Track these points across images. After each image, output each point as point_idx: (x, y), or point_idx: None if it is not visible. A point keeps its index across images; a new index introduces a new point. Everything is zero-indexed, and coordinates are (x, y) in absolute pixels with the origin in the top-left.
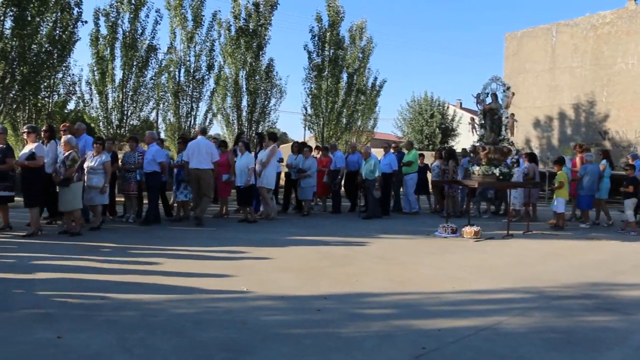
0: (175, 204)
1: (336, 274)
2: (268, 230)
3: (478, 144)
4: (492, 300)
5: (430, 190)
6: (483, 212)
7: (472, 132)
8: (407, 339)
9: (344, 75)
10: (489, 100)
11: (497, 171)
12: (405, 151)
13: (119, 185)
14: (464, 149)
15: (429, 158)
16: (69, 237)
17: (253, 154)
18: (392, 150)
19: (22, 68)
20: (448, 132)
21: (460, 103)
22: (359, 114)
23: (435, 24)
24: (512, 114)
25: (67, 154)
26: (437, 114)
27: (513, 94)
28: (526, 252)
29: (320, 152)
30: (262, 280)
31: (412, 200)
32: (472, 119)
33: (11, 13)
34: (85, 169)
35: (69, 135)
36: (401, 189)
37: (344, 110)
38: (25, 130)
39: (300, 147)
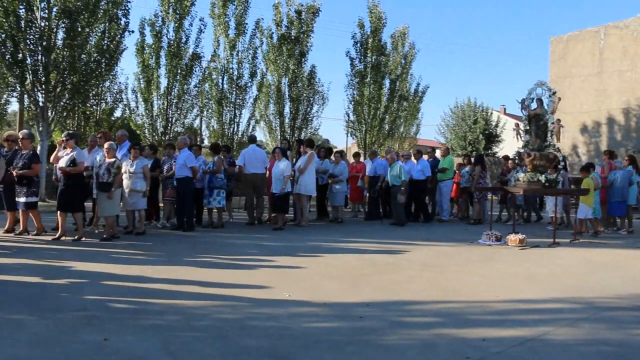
0: (215, 211)
1: (379, 281)
2: (306, 237)
3: (523, 150)
4: (539, 310)
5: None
6: (506, 220)
7: (517, 138)
8: (450, 349)
9: (387, 82)
10: (534, 105)
11: (542, 178)
12: (440, 157)
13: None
14: (505, 156)
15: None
16: (107, 242)
17: (293, 160)
18: (425, 157)
19: (72, 77)
20: (492, 138)
21: (504, 109)
22: (402, 121)
23: (479, 29)
24: (558, 120)
25: (111, 161)
26: (480, 120)
27: (559, 99)
28: (574, 261)
29: (354, 159)
30: (305, 287)
31: (445, 207)
32: (517, 125)
33: (63, 25)
34: (126, 174)
35: (111, 142)
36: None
37: (387, 116)
38: (64, 137)
39: (327, 153)
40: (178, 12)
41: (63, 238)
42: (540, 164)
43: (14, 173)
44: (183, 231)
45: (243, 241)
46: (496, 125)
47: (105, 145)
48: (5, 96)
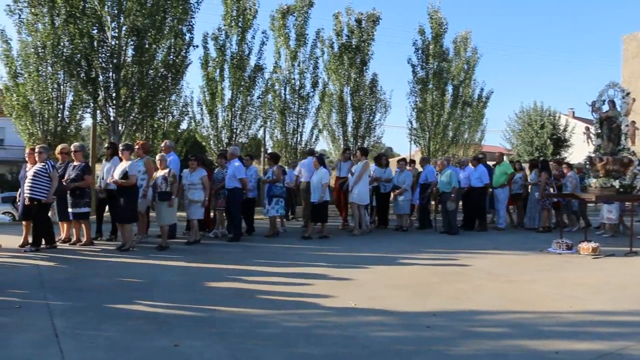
0: (278, 219)
1: (446, 291)
2: (367, 246)
3: (594, 155)
4: (615, 322)
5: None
6: (554, 226)
7: (588, 142)
8: None
9: (449, 88)
10: (605, 107)
11: (616, 183)
12: (492, 163)
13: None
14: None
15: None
16: (160, 251)
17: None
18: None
19: (141, 92)
20: (560, 142)
21: (573, 112)
22: (466, 127)
23: (544, 30)
24: (633, 122)
25: (166, 171)
26: (547, 124)
27: (633, 99)
28: None
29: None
30: (370, 296)
31: (502, 215)
32: (587, 129)
33: (132, 43)
34: (185, 185)
35: (162, 153)
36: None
37: (450, 123)
38: (122, 147)
39: (387, 160)
40: (240, 25)
41: (130, 248)
42: (613, 168)
43: (67, 184)
44: (228, 241)
45: (303, 250)
46: (564, 130)
47: (157, 156)
48: (80, 112)
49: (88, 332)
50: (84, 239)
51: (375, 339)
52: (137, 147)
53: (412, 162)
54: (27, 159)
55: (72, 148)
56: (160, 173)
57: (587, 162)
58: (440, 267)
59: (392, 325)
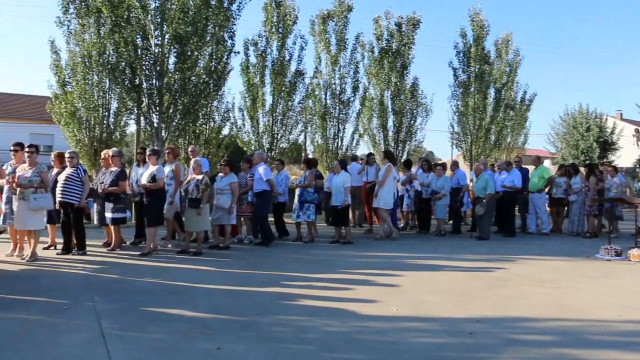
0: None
1: (488, 297)
2: (407, 251)
3: None
4: None
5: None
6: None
7: (638, 144)
8: None
9: (491, 91)
10: None
11: None
12: (528, 167)
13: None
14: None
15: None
16: (192, 256)
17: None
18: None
19: (183, 99)
20: (607, 146)
21: (621, 114)
22: (509, 130)
23: (588, 30)
24: None
25: (199, 177)
26: (593, 127)
27: None
28: None
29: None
30: (412, 301)
31: (544, 220)
32: (637, 131)
33: (174, 50)
34: (215, 190)
35: (197, 158)
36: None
37: (493, 126)
38: (149, 152)
39: (430, 165)
40: (281, 31)
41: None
42: None
43: (103, 190)
44: (256, 245)
45: (341, 255)
46: (612, 132)
47: (192, 162)
48: (124, 118)
49: (133, 333)
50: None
51: (417, 344)
52: (167, 152)
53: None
54: (52, 164)
55: (109, 153)
56: (193, 178)
57: (638, 166)
58: (482, 273)
59: (434, 331)
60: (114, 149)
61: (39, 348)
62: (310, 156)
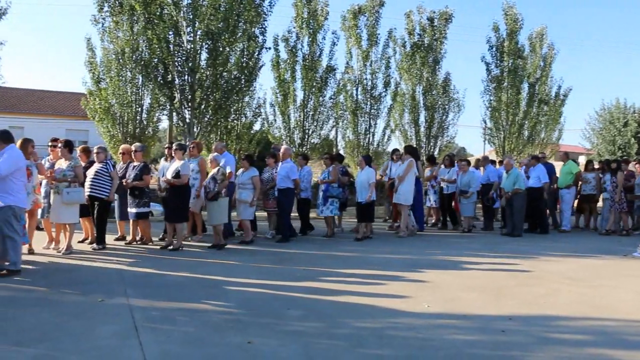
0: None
1: (521, 294)
2: (438, 248)
3: None
4: None
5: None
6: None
7: None
8: None
9: (525, 86)
10: None
11: None
12: (554, 162)
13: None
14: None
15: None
16: (216, 251)
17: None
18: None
19: (215, 94)
20: None
21: None
22: (542, 126)
23: (625, 23)
24: None
25: (216, 170)
26: (631, 122)
27: None
28: None
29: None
30: (444, 298)
31: (566, 217)
32: None
33: (206, 46)
34: (237, 184)
35: (215, 153)
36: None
37: (526, 122)
38: (175, 147)
39: (452, 161)
40: (311, 27)
41: (170, 248)
42: None
43: (126, 184)
44: (277, 241)
45: (371, 251)
46: None
47: (210, 156)
48: (157, 114)
49: (165, 326)
50: (138, 236)
51: (449, 341)
52: (191, 146)
53: (493, 162)
54: (79, 158)
55: (132, 148)
56: (211, 173)
57: None
58: (514, 270)
59: (467, 328)
60: (137, 144)
61: (75, 339)
62: (342, 152)
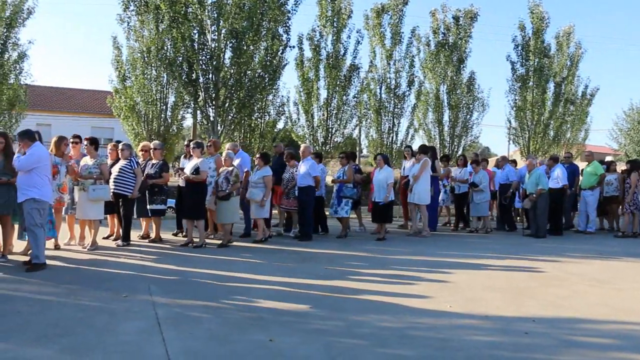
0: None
1: (545, 296)
2: (458, 249)
3: None
4: None
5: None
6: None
7: None
8: None
9: (551, 85)
10: None
11: None
12: (577, 164)
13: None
14: None
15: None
16: (223, 249)
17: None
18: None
19: (239, 93)
20: None
21: None
22: (568, 126)
23: None
24: None
25: (229, 169)
26: None
27: None
28: None
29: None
30: (466, 298)
31: (591, 219)
32: None
33: (230, 45)
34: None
35: (229, 151)
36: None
37: (552, 122)
38: (193, 145)
39: (465, 161)
40: (335, 25)
41: (191, 245)
42: None
43: (145, 181)
44: (299, 240)
45: (388, 251)
46: None
47: (224, 154)
48: (181, 112)
49: (188, 322)
50: (152, 235)
51: (471, 342)
52: (208, 144)
53: (514, 161)
54: (108, 155)
55: (151, 146)
56: (224, 170)
57: None
58: (537, 271)
59: (489, 330)
60: (156, 141)
61: (99, 334)
62: (365, 151)
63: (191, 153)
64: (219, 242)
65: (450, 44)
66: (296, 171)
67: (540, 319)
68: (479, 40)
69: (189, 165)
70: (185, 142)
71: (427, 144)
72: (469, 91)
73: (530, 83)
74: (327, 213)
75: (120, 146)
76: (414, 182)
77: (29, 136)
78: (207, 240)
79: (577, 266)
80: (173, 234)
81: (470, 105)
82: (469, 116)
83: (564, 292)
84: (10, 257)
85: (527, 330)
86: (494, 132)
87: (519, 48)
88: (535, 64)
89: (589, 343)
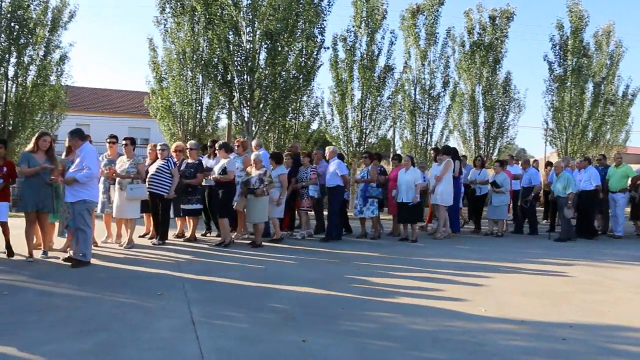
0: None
1: (583, 302)
2: (495, 252)
3: None
4: None
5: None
6: None
7: None
8: None
9: (590, 85)
10: None
11: None
12: (611, 165)
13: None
14: None
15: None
16: (255, 249)
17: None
18: (596, 164)
19: (273, 94)
20: None
21: None
22: (608, 127)
23: None
24: None
25: (262, 171)
26: None
27: None
28: None
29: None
30: (501, 302)
31: (620, 222)
32: None
33: (265, 46)
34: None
35: (257, 152)
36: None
37: (590, 122)
38: (219, 145)
39: (483, 162)
40: (370, 26)
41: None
42: None
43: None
44: (326, 241)
45: (417, 253)
46: None
47: (252, 156)
48: (216, 113)
49: (221, 321)
50: (188, 234)
51: (505, 347)
52: (236, 145)
53: (550, 163)
54: (148, 155)
55: (187, 146)
56: (255, 172)
57: None
58: (573, 276)
59: (524, 335)
60: (192, 141)
61: (133, 330)
62: (399, 152)
63: (216, 153)
64: (249, 242)
65: (486, 44)
66: (312, 171)
67: (578, 325)
68: (515, 40)
69: (217, 165)
70: (209, 143)
71: (462, 145)
72: (505, 92)
73: (568, 83)
74: (349, 214)
75: (159, 146)
76: (436, 183)
77: (79, 135)
78: (238, 241)
79: (615, 271)
80: (202, 235)
81: (506, 107)
82: (504, 117)
83: (602, 298)
84: (50, 253)
85: (564, 336)
86: (530, 133)
87: (557, 47)
88: (574, 63)
89: (628, 352)
